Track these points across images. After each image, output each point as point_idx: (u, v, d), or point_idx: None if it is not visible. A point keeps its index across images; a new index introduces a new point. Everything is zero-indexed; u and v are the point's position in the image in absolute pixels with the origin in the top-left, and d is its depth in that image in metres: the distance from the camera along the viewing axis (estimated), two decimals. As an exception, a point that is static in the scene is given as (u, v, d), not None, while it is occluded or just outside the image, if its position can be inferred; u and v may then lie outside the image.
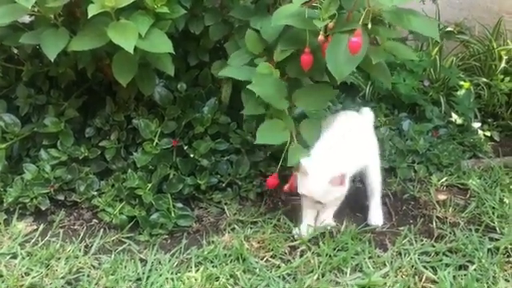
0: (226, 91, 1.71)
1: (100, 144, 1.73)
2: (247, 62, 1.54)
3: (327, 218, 1.58)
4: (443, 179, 1.88)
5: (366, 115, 1.71)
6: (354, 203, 1.73)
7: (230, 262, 1.46)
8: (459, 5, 2.70)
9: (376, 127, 2.03)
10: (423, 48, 2.47)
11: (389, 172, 1.90)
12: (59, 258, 1.46)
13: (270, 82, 1.47)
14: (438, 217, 1.68)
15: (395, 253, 1.52)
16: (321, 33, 1.32)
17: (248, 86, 1.45)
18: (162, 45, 1.42)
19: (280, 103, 1.47)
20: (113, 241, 1.55)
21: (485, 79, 2.32)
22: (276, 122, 1.50)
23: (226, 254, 1.48)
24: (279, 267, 1.45)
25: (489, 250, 1.52)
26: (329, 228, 1.57)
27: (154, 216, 1.60)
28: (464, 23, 2.57)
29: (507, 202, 1.74)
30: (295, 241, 1.55)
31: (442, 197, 1.79)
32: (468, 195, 1.82)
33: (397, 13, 1.28)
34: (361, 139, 1.61)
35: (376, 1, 1.23)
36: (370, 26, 1.25)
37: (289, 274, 1.43)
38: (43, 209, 1.63)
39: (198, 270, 1.43)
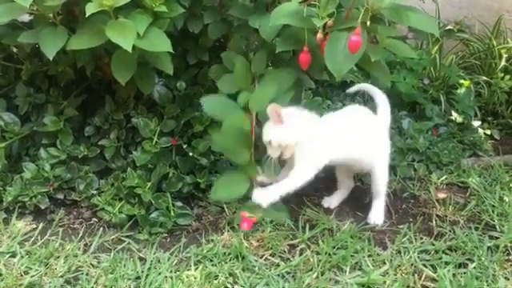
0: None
1: (99, 143, 1.73)
2: (235, 92, 1.52)
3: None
4: (443, 177, 1.88)
5: (383, 117, 1.67)
6: (354, 201, 1.74)
7: (230, 260, 1.46)
8: (459, 3, 2.70)
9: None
10: (423, 46, 2.47)
11: (389, 170, 1.89)
12: (58, 257, 1.46)
13: (235, 136, 1.40)
14: (437, 215, 1.68)
15: (395, 251, 1.51)
16: (319, 31, 1.32)
17: (212, 137, 1.50)
18: (160, 44, 1.42)
19: (240, 157, 1.40)
20: (112, 239, 1.55)
21: (485, 77, 2.32)
22: (235, 174, 1.43)
23: (225, 253, 1.48)
24: (278, 266, 1.45)
25: (488, 248, 1.52)
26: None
27: (154, 215, 1.60)
28: (464, 21, 2.55)
29: (507, 200, 1.74)
30: (295, 239, 1.55)
31: (441, 195, 1.79)
32: (468, 193, 1.81)
33: (396, 9, 1.27)
34: (367, 137, 1.58)
35: (376, -3, 1.23)
36: (368, 23, 1.25)
37: (288, 273, 1.43)
38: (43, 208, 1.63)
39: (197, 269, 1.43)
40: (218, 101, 1.50)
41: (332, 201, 1.72)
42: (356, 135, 1.55)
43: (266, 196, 1.38)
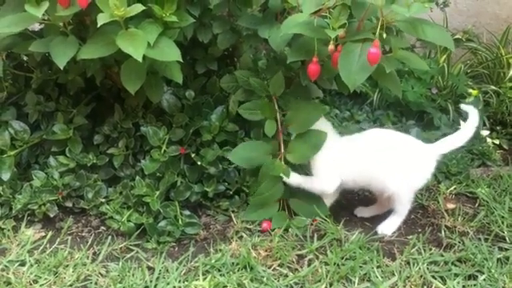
0: (233, 101, 1.72)
1: (108, 151, 1.74)
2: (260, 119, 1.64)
3: None
4: (452, 188, 1.87)
5: (427, 149, 1.64)
6: (362, 212, 1.73)
7: (238, 270, 1.45)
8: (467, 12, 2.69)
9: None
10: (431, 55, 2.46)
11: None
12: (67, 266, 1.47)
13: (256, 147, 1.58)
14: (446, 226, 1.67)
15: (403, 262, 1.51)
16: (331, 42, 1.32)
17: (229, 157, 1.63)
18: (170, 53, 1.43)
19: (265, 159, 1.58)
20: (120, 248, 1.56)
21: (493, 87, 2.31)
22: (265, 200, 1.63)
23: (233, 263, 1.48)
24: (287, 276, 1.45)
25: (498, 259, 1.51)
26: None
27: (162, 223, 1.60)
28: (472, 30, 2.56)
29: (517, 211, 1.73)
30: (303, 249, 1.54)
31: (450, 205, 1.78)
32: (477, 204, 1.80)
33: (411, 22, 1.27)
34: (379, 161, 1.56)
35: (390, 10, 1.23)
36: (384, 35, 1.25)
37: (296, 283, 1.42)
38: (51, 216, 1.64)
39: (205, 279, 1.42)
40: (245, 150, 1.64)
41: (365, 212, 1.72)
42: (367, 158, 1.57)
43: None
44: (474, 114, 1.65)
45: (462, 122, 1.72)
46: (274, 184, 1.60)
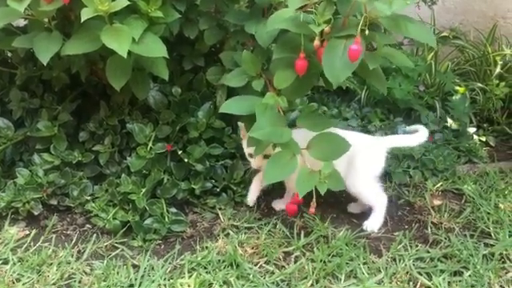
0: (220, 96, 1.71)
1: (94, 148, 1.72)
2: (245, 84, 1.53)
3: None
4: (438, 184, 1.88)
5: (375, 142, 1.68)
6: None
7: (224, 268, 1.45)
8: (454, 10, 2.71)
9: (371, 132, 2.03)
10: (418, 53, 2.47)
11: (384, 177, 1.89)
12: (51, 264, 1.45)
13: (269, 120, 1.41)
14: (433, 222, 1.67)
15: (390, 259, 1.51)
16: (316, 38, 1.32)
17: (249, 134, 1.41)
18: (156, 49, 1.41)
19: (283, 137, 1.41)
20: (106, 246, 1.54)
21: (480, 84, 2.32)
22: (281, 153, 1.42)
23: (219, 260, 1.47)
24: (273, 273, 1.44)
25: (484, 255, 1.52)
26: None
27: (148, 221, 1.59)
28: (459, 28, 2.57)
29: (502, 207, 1.74)
30: (290, 246, 1.54)
31: (437, 202, 1.79)
32: (463, 200, 1.81)
33: (394, 19, 1.27)
34: (342, 160, 1.50)
35: (373, 7, 1.23)
36: (367, 32, 1.24)
37: (283, 281, 1.42)
38: (36, 214, 1.62)
39: (191, 276, 1.41)
40: (236, 100, 1.51)
41: (355, 208, 1.72)
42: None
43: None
44: (423, 132, 1.72)
45: (416, 127, 1.76)
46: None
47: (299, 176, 1.39)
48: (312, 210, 1.45)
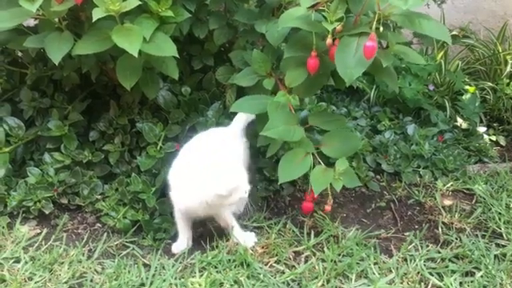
0: (230, 96, 1.71)
1: (104, 148, 1.73)
2: (255, 83, 1.54)
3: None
4: (449, 184, 1.87)
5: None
6: (359, 208, 1.73)
7: (234, 267, 1.45)
8: (464, 8, 2.69)
9: (380, 131, 2.03)
10: (428, 52, 2.45)
11: (394, 177, 1.89)
12: (62, 263, 1.46)
13: (281, 118, 1.41)
14: (443, 222, 1.66)
15: (401, 259, 1.50)
16: (328, 36, 1.31)
17: (262, 133, 1.40)
18: (166, 48, 1.42)
19: (295, 135, 1.41)
20: (116, 245, 1.55)
21: (490, 83, 2.31)
22: (294, 152, 1.43)
23: (229, 260, 1.47)
24: (283, 273, 1.44)
25: (495, 256, 1.51)
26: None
27: (158, 220, 1.59)
28: (469, 27, 2.55)
29: (513, 207, 1.73)
30: (300, 246, 1.54)
31: (447, 202, 1.78)
32: (474, 200, 1.80)
33: (408, 16, 1.26)
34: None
35: (387, 4, 1.22)
36: (381, 29, 1.24)
37: (293, 280, 1.42)
38: (47, 212, 1.63)
39: (201, 276, 1.41)
40: (247, 99, 1.53)
41: None
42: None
43: None
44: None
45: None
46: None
47: (314, 173, 1.39)
48: (328, 207, 1.44)
